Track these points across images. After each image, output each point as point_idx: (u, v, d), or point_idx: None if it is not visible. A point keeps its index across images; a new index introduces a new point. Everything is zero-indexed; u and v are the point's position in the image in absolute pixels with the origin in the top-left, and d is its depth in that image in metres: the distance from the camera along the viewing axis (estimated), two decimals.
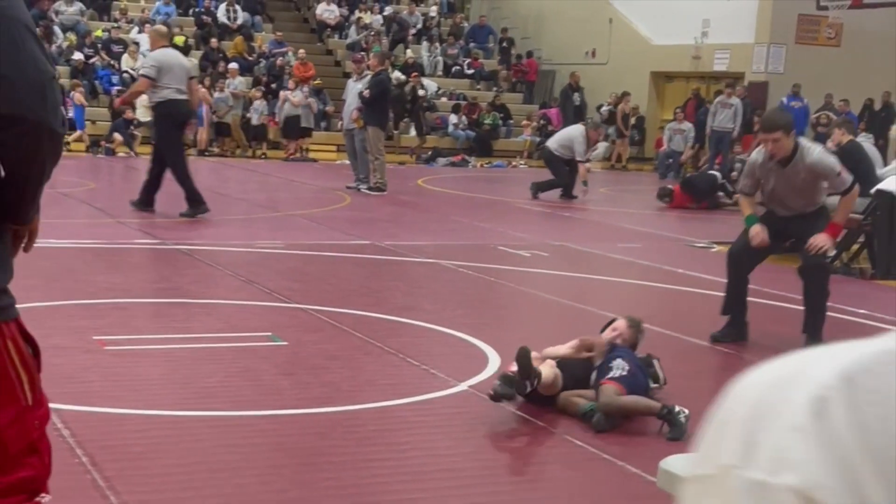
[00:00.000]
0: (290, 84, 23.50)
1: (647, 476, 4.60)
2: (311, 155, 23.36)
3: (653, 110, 28.03)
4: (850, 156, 11.28)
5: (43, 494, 2.29)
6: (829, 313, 8.46)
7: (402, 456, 4.84)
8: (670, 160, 22.37)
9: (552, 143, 17.52)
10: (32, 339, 2.32)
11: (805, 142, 7.31)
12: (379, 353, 6.56)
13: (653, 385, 5.81)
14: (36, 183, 2.24)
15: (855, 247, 11.56)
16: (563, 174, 16.84)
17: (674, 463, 2.10)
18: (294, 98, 23.07)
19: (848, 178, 7.11)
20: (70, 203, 13.05)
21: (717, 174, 17.90)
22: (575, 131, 17.16)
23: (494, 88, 28.75)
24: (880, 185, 10.93)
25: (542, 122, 27.14)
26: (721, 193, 17.09)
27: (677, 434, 5.19)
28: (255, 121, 23.27)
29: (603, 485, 4.67)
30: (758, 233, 7.20)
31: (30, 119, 2.11)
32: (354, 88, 16.59)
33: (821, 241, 7.02)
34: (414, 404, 5.56)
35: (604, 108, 26.93)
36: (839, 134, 11.40)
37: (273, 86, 24.62)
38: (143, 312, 7.61)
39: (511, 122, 27.49)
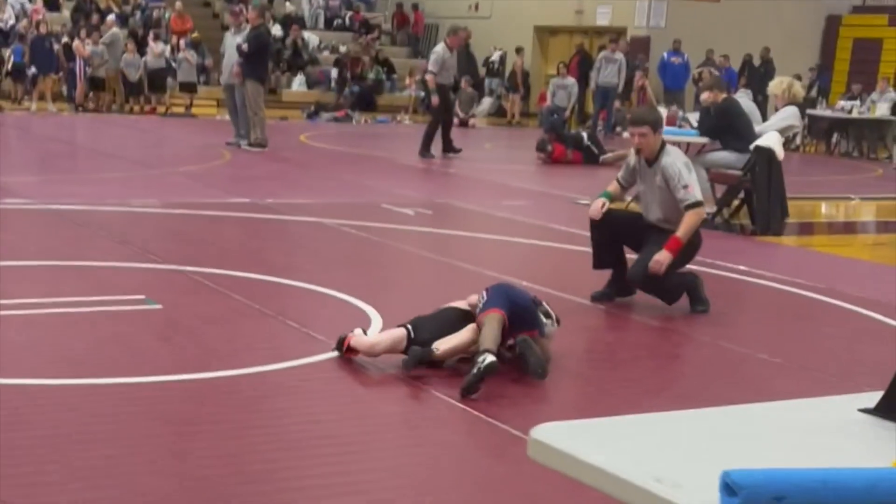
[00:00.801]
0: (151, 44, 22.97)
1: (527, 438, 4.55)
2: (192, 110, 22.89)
3: (536, 65, 28.09)
4: (727, 112, 11.40)
5: None
6: (710, 270, 8.55)
7: (281, 422, 4.71)
8: (554, 115, 22.41)
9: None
10: None
11: (671, 148, 7.24)
12: (258, 315, 6.40)
13: (545, 320, 5.73)
14: None
15: (735, 203, 11.71)
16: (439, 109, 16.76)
17: (544, 432, 2.01)
18: (156, 49, 22.53)
19: (694, 195, 6.95)
20: None
21: (584, 134, 17.99)
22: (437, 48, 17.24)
23: (377, 43, 28.48)
24: (759, 142, 11.05)
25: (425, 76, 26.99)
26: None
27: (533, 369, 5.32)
28: (132, 77, 22.65)
29: (485, 448, 4.61)
30: (596, 209, 7.19)
31: None
32: (233, 42, 16.23)
33: (661, 259, 6.82)
34: (294, 368, 5.43)
35: (493, 59, 26.93)
36: (711, 95, 11.50)
37: (149, 38, 24.00)
38: (8, 276, 7.31)
39: (395, 76, 27.28)
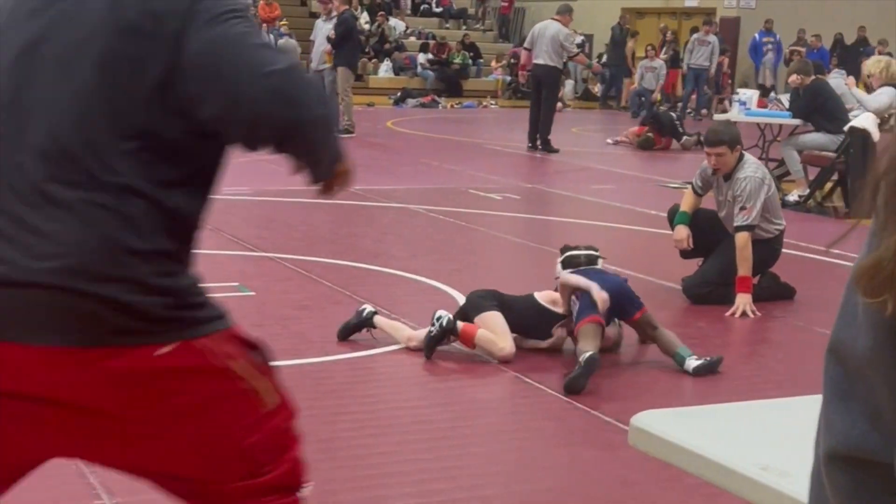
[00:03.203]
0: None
1: (620, 424, 4.53)
2: None
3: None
4: (817, 94, 11.19)
5: (304, 485, 2.22)
6: (802, 253, 8.41)
7: (372, 408, 4.74)
8: (642, 98, 22.22)
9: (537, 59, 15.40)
10: (255, 343, 2.16)
11: (749, 158, 6.98)
12: (349, 302, 6.43)
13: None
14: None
15: (829, 185, 11.49)
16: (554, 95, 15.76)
17: (644, 420, 1.99)
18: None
19: (748, 219, 6.68)
20: None
21: (674, 115, 17.68)
22: (550, 30, 15.28)
23: (464, 27, 28.47)
24: (853, 122, 10.83)
25: (512, 61, 26.90)
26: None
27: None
28: None
29: (576, 434, 4.59)
30: (682, 239, 6.96)
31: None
32: (324, 28, 16.30)
33: (741, 306, 6.55)
34: (385, 355, 5.45)
35: (577, 42, 26.71)
36: (798, 78, 11.29)
37: None
38: None
39: (481, 61, 27.23)
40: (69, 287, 1.93)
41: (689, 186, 7.31)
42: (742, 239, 6.67)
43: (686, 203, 7.14)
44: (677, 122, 17.09)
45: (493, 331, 5.37)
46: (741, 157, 6.88)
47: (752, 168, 6.85)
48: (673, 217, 7.21)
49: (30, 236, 1.95)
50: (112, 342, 1.96)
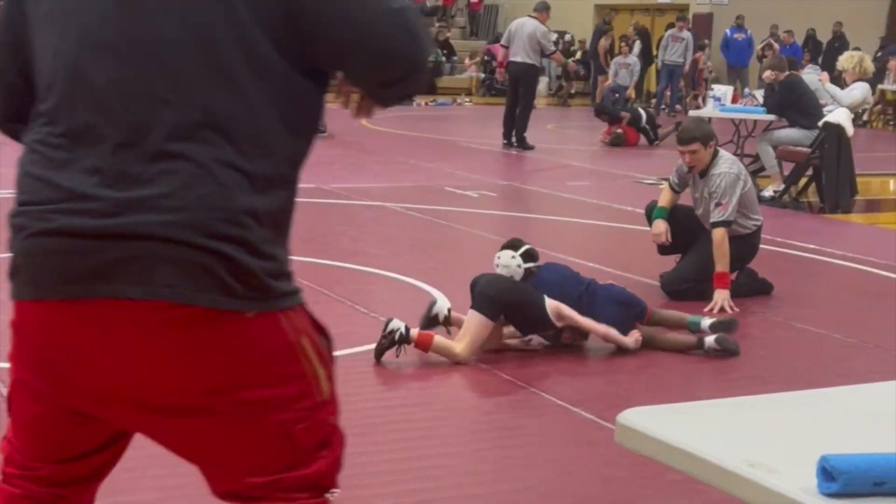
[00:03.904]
0: None
1: (601, 422, 4.54)
2: None
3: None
4: (791, 89, 11.25)
5: (333, 490, 2.15)
6: (779, 249, 8.46)
7: (353, 408, 4.70)
8: (616, 94, 22.25)
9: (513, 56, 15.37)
10: (326, 330, 2.13)
11: (724, 155, 6.98)
12: (327, 301, 6.41)
13: None
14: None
15: (803, 180, 11.56)
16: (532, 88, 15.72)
17: (631, 417, 1.99)
18: None
19: (723, 215, 6.69)
20: None
21: (643, 114, 17.66)
22: (527, 27, 15.13)
23: (438, 24, 28.45)
24: (827, 118, 10.90)
25: (486, 58, 26.91)
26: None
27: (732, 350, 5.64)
28: None
29: (558, 431, 4.59)
30: (661, 233, 7.00)
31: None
32: None
33: (719, 302, 6.59)
34: (364, 353, 5.43)
35: (554, 37, 26.67)
36: (772, 74, 11.34)
37: None
38: None
39: (455, 58, 27.23)
40: (185, 240, 1.88)
41: (666, 183, 7.33)
42: (719, 235, 6.69)
43: (664, 199, 7.17)
44: (647, 126, 17.04)
45: (463, 332, 5.36)
46: (716, 153, 6.90)
47: (727, 164, 6.88)
48: (651, 213, 7.23)
49: (146, 189, 1.89)
50: (216, 303, 1.91)
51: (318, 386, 2.08)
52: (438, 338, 5.33)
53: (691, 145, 6.82)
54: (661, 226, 7.03)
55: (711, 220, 6.77)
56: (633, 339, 5.57)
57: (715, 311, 6.53)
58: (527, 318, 5.51)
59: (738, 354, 5.63)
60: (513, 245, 5.73)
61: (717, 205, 6.74)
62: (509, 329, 5.59)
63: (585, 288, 5.69)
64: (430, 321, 5.48)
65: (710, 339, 5.63)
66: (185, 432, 2.06)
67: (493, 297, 5.39)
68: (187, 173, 1.89)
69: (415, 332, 5.29)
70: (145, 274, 1.90)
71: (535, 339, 5.63)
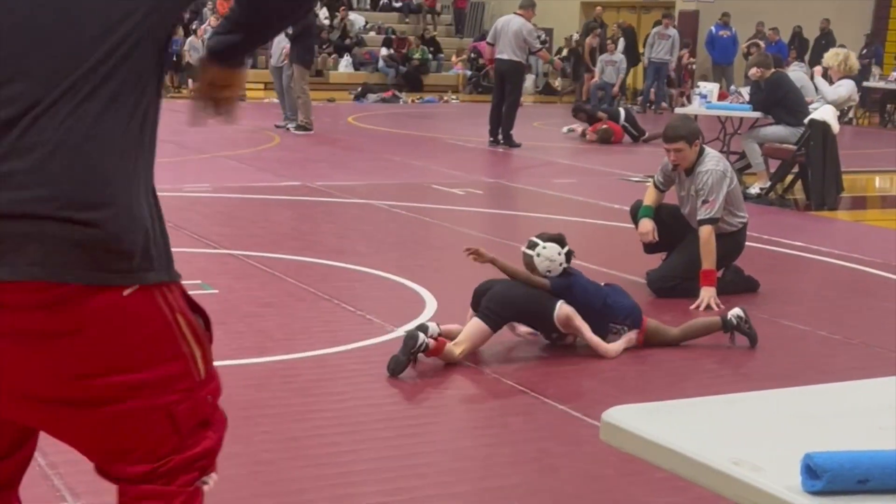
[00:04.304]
0: (213, 21, 22.87)
1: (587, 419, 4.54)
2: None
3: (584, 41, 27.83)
4: (777, 87, 11.26)
5: (212, 473, 2.14)
6: (765, 246, 8.47)
7: (340, 406, 4.72)
8: (602, 92, 22.27)
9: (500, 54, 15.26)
10: (202, 310, 2.12)
11: (710, 152, 6.97)
12: (313, 299, 6.41)
13: None
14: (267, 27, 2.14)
15: (789, 178, 11.58)
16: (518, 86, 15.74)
17: (616, 415, 1.99)
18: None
19: (710, 212, 6.70)
20: None
21: (622, 112, 17.67)
22: (513, 24, 15.04)
23: (423, 21, 28.44)
24: (813, 115, 10.92)
25: (472, 55, 26.90)
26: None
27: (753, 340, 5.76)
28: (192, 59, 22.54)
29: (544, 429, 4.59)
30: (648, 231, 7.01)
31: None
32: None
33: (705, 299, 6.60)
34: (351, 352, 5.43)
35: (542, 36, 26.68)
36: (758, 72, 11.36)
37: (195, 23, 24.06)
38: None
39: (441, 56, 27.22)
40: (51, 216, 1.85)
41: (651, 182, 7.34)
42: (706, 232, 6.70)
43: (649, 198, 7.18)
44: (626, 124, 17.05)
45: (464, 337, 5.32)
46: (701, 151, 6.90)
47: (713, 161, 6.88)
48: (636, 213, 7.23)
49: (7, 164, 1.86)
50: (91, 279, 1.89)
51: (195, 366, 2.06)
52: (448, 346, 5.29)
53: (676, 143, 6.82)
54: (647, 224, 7.04)
55: (698, 218, 6.77)
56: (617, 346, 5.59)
57: (701, 308, 6.54)
58: (531, 322, 5.57)
59: (755, 342, 5.78)
60: (559, 241, 5.61)
61: (704, 202, 6.74)
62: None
63: (603, 302, 5.65)
64: (411, 356, 5.22)
65: (735, 312, 5.80)
66: (66, 420, 2.02)
67: (500, 310, 5.38)
68: (50, 147, 1.86)
69: (431, 342, 5.20)
70: (12, 255, 1.85)
71: (522, 329, 5.65)
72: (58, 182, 1.86)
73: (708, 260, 6.68)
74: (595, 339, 5.47)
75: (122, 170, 1.93)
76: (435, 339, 5.18)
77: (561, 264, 5.54)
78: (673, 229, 7.04)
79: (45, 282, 1.86)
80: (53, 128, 1.87)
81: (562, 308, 5.42)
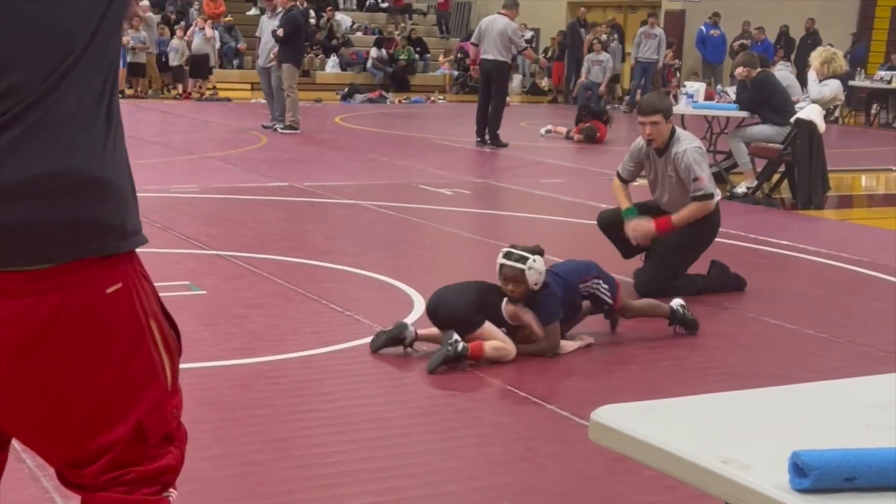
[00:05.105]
0: (199, 22, 22.81)
1: (576, 419, 4.55)
2: (224, 94, 22.87)
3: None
4: (763, 86, 11.29)
5: (171, 490, 2.11)
6: (752, 245, 8.50)
7: (329, 406, 4.72)
8: (588, 91, 22.30)
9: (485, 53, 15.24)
10: (172, 320, 2.10)
11: (682, 132, 7.02)
12: (301, 299, 6.41)
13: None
14: None
15: (776, 177, 11.61)
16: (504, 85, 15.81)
17: (605, 414, 2.00)
18: (208, 33, 22.35)
19: (705, 187, 6.76)
20: None
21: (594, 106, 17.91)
22: (498, 24, 15.08)
23: (409, 21, 28.44)
24: (800, 115, 10.95)
25: (459, 55, 26.90)
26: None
27: (692, 329, 5.97)
28: (175, 60, 22.50)
29: (533, 429, 4.59)
30: (648, 232, 6.95)
31: None
32: (270, 25, 16.19)
33: (642, 228, 6.74)
34: (339, 352, 5.43)
35: (525, 37, 26.69)
36: (744, 71, 11.39)
37: (182, 23, 23.99)
38: None
39: (428, 56, 27.22)
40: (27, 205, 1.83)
41: (615, 179, 7.31)
42: (701, 206, 6.80)
43: (623, 198, 7.14)
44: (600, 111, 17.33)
45: (496, 337, 5.38)
46: (673, 131, 6.94)
47: (687, 140, 6.95)
48: (605, 223, 7.23)
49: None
50: (77, 254, 1.88)
51: (164, 375, 2.04)
52: (489, 345, 5.32)
53: (653, 116, 6.83)
54: (645, 224, 6.96)
55: (693, 196, 6.80)
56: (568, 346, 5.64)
57: (628, 233, 6.84)
58: (490, 321, 5.54)
59: (696, 330, 5.99)
60: (542, 253, 5.58)
61: (695, 180, 6.79)
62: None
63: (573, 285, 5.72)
64: (393, 340, 5.41)
65: (676, 301, 6.01)
66: (31, 426, 1.99)
67: (472, 315, 5.42)
68: (18, 132, 1.84)
69: (468, 346, 5.25)
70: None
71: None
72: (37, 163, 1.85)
73: (679, 217, 6.80)
74: (537, 330, 5.49)
75: (103, 150, 1.92)
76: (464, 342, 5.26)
77: (542, 275, 5.56)
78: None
79: (12, 271, 1.85)
80: (42, 112, 1.86)
81: (506, 307, 5.48)
